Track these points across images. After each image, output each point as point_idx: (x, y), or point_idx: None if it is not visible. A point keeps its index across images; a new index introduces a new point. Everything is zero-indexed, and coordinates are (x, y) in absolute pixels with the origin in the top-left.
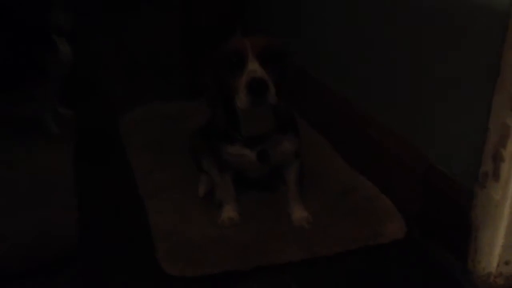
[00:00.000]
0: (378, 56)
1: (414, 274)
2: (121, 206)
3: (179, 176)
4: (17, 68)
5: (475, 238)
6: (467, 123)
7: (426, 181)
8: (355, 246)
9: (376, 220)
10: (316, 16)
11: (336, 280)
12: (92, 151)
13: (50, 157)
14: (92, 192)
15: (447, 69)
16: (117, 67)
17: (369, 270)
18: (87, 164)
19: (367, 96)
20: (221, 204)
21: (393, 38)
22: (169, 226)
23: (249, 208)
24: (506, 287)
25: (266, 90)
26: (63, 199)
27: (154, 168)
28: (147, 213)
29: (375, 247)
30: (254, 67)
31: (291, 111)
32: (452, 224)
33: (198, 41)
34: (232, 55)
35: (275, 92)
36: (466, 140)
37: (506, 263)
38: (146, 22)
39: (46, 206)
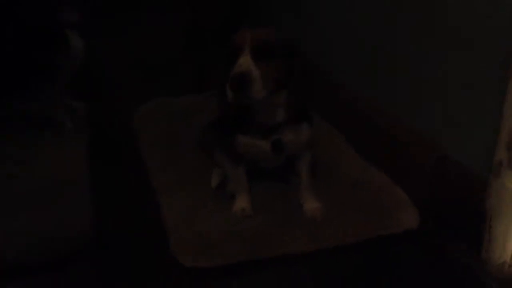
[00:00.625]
0: (388, 47)
1: (427, 264)
2: (134, 200)
3: (191, 169)
4: (27, 65)
5: (489, 227)
6: (480, 112)
7: (439, 170)
8: (368, 236)
9: (389, 210)
10: (323, 10)
11: (349, 270)
12: (104, 146)
13: (63, 153)
14: (105, 187)
15: (460, 57)
16: (124, 63)
17: (382, 260)
18: (100, 159)
19: (378, 86)
20: (234, 196)
21: (402, 29)
22: (182, 219)
23: (261, 199)
24: None
25: (247, 85)
26: (77, 194)
27: (167, 163)
28: (160, 207)
29: (388, 237)
30: (242, 60)
31: (304, 101)
32: (466, 213)
33: (202, 42)
34: (232, 48)
35: (263, 86)
36: (479, 129)
37: None
38: (150, 21)
39: (61, 201)
